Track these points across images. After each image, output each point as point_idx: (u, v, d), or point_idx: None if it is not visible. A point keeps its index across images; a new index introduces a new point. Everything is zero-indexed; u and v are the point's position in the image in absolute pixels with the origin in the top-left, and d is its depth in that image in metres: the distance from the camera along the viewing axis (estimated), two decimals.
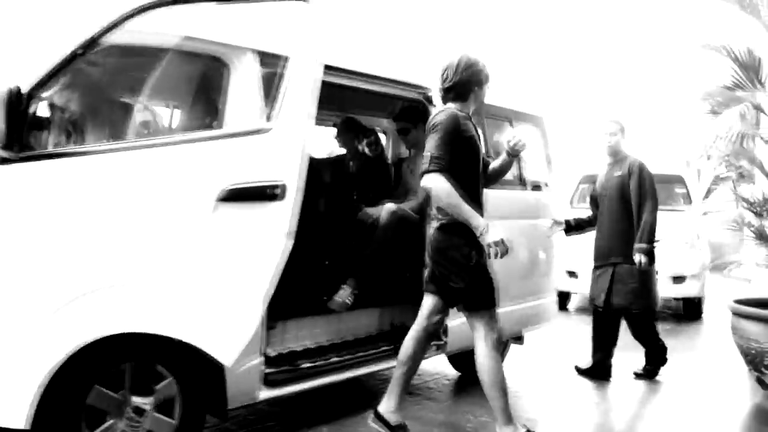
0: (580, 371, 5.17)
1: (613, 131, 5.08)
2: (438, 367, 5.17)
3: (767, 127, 5.51)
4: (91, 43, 2.25)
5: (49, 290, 2.22)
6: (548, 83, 11.05)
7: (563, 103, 12.42)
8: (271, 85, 2.44)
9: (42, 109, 2.28)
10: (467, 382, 4.87)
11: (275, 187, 2.35)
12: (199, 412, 2.97)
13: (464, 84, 3.35)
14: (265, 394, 3.33)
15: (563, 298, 8.49)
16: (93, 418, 2.62)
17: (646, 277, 4.90)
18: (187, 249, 2.31)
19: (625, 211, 4.98)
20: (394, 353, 3.79)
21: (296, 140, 2.44)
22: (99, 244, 2.25)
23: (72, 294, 2.23)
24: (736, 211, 5.86)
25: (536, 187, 5.25)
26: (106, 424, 2.65)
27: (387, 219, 4.23)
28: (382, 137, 5.82)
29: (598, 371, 5.09)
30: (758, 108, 5.23)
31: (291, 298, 3.97)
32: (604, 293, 4.96)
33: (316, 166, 4.99)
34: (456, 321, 4.37)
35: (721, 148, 5.46)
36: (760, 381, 4.76)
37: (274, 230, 2.40)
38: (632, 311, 4.99)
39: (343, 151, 5.48)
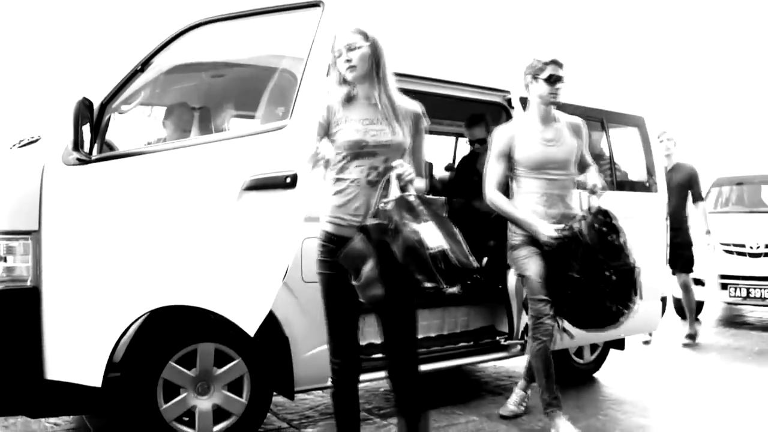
0: None
1: None
2: None
3: None
4: (147, 62, 2.67)
5: (111, 272, 2.61)
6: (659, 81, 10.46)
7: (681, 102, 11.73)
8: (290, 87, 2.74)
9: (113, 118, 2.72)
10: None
11: (288, 177, 2.61)
12: (267, 392, 3.27)
13: None
14: None
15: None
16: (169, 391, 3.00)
17: None
18: (219, 233, 2.64)
19: None
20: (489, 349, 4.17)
21: (307, 135, 2.69)
22: (152, 231, 2.63)
23: (129, 275, 2.62)
24: None
25: (638, 187, 5.11)
26: (179, 397, 3.03)
27: None
28: None
29: None
30: None
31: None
32: None
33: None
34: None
35: None
36: None
37: (289, 215, 2.65)
38: None
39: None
